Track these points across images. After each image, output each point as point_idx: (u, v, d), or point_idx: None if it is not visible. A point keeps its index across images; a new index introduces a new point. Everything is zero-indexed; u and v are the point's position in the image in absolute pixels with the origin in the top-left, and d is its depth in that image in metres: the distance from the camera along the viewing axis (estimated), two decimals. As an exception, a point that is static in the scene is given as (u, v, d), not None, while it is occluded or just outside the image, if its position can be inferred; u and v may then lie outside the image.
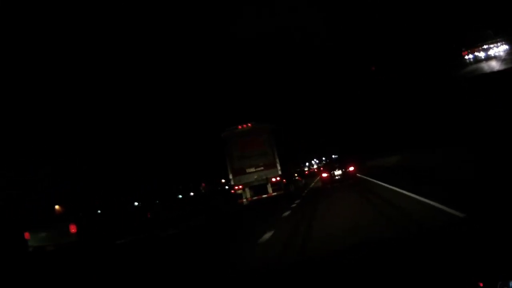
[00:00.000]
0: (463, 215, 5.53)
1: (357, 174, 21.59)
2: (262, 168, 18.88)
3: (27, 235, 11.22)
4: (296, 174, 32.53)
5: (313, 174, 62.42)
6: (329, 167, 19.46)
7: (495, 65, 27.22)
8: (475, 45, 27.41)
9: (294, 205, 13.99)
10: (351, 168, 18.72)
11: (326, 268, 2.12)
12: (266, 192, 19.19)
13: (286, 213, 11.57)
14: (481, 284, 1.40)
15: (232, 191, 19.75)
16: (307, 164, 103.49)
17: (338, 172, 18.70)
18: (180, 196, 58.36)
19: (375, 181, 16.71)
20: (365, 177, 20.80)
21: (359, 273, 1.86)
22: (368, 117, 44.50)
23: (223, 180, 45.79)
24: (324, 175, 19.32)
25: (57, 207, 22.99)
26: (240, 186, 19.19)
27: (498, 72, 25.23)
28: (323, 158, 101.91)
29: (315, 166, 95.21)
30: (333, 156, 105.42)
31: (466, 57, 27.14)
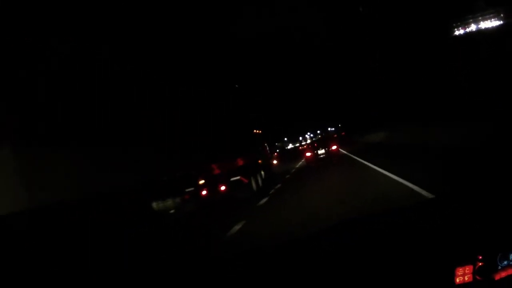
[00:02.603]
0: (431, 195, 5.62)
1: (341, 150, 22.29)
2: None
3: None
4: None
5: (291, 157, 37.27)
6: (313, 147, 19.87)
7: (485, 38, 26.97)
8: (466, 19, 26.96)
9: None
10: (334, 147, 19.25)
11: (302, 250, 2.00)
12: None
13: None
14: (480, 257, 1.37)
15: None
16: (300, 138, 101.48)
17: (321, 151, 19.11)
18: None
19: (356, 158, 16.92)
20: (349, 155, 21.28)
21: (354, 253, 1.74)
22: (365, 96, 44.33)
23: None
24: (308, 154, 19.68)
25: None
26: None
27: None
28: (318, 131, 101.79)
29: (308, 141, 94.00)
30: (329, 129, 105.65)
31: (457, 32, 26.70)
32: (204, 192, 10.22)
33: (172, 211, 9.44)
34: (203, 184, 10.19)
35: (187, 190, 9.88)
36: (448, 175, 7.18)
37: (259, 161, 15.88)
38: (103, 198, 6.03)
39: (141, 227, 7.47)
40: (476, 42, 25.83)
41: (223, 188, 10.69)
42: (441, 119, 18.13)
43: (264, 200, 10.51)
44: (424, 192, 6.07)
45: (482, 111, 13.80)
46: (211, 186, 10.42)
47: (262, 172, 15.56)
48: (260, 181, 14.33)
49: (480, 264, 1.37)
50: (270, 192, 11.99)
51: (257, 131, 17.03)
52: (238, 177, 11.27)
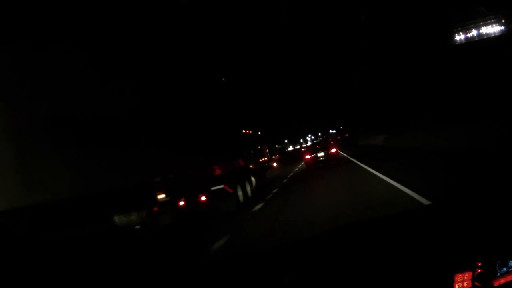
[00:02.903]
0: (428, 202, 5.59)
1: (342, 153, 22.13)
2: None
3: None
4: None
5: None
6: (312, 150, 20.02)
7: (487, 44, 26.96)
8: (467, 24, 26.96)
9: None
10: (333, 150, 19.39)
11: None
12: None
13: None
14: (479, 263, 1.38)
15: None
16: (301, 141, 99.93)
17: (320, 154, 19.16)
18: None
19: (355, 161, 16.97)
20: (348, 157, 21.45)
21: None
22: (367, 94, 44.11)
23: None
24: (307, 157, 19.71)
25: None
26: None
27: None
28: (319, 134, 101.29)
29: (309, 143, 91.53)
30: (331, 131, 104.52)
31: (457, 37, 26.64)
32: (179, 204, 8.00)
33: (137, 226, 7.48)
34: (177, 193, 7.97)
35: (157, 200, 7.69)
36: (444, 181, 7.13)
37: (250, 166, 13.82)
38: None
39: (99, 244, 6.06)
40: (477, 46, 25.92)
41: (202, 198, 8.64)
42: (440, 121, 18.26)
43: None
44: (421, 198, 6.02)
45: (483, 113, 13.87)
46: (188, 196, 8.24)
47: (253, 179, 13.31)
48: (249, 191, 12.04)
49: (479, 270, 1.38)
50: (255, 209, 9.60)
51: (248, 131, 15.02)
52: (221, 186, 9.36)
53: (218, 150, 10.39)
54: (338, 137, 78.23)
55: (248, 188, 12.03)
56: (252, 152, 14.76)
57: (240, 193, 10.77)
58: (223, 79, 13.19)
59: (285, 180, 16.41)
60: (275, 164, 30.35)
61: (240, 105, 15.16)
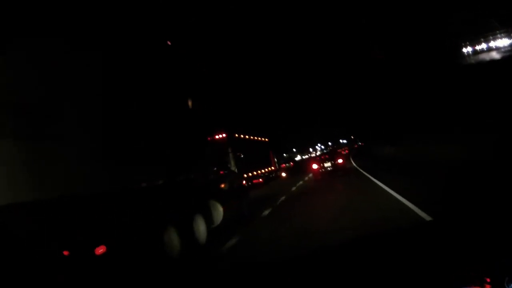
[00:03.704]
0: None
1: (353, 163, 22.01)
2: None
3: None
4: None
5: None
6: (320, 160, 20.78)
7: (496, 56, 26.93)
8: (477, 38, 27.04)
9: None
10: (340, 161, 20.09)
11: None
12: None
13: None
14: (488, 279, 1.40)
15: None
16: (310, 150, 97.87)
17: (328, 164, 19.79)
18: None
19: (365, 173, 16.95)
20: (358, 168, 21.25)
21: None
22: (377, 101, 43.87)
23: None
24: (315, 166, 20.31)
25: None
26: None
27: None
28: (329, 143, 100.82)
29: (318, 153, 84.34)
30: (341, 141, 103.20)
31: (464, 50, 26.71)
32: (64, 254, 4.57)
33: None
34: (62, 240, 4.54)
35: None
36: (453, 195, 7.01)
37: (222, 185, 9.45)
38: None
39: None
40: (486, 59, 25.94)
41: (100, 251, 4.76)
42: (450, 131, 18.39)
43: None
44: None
45: (490, 124, 13.93)
46: (77, 246, 4.70)
47: (220, 209, 8.54)
48: (201, 232, 7.38)
49: (488, 287, 1.41)
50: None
51: (222, 136, 10.79)
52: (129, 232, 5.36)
53: (140, 161, 6.02)
54: (356, 145, 77.60)
55: (201, 228, 7.40)
56: (228, 164, 10.50)
57: (175, 242, 6.26)
58: (169, 42, 8.72)
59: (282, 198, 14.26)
60: (284, 174, 28.67)
61: (202, 94, 10.39)
